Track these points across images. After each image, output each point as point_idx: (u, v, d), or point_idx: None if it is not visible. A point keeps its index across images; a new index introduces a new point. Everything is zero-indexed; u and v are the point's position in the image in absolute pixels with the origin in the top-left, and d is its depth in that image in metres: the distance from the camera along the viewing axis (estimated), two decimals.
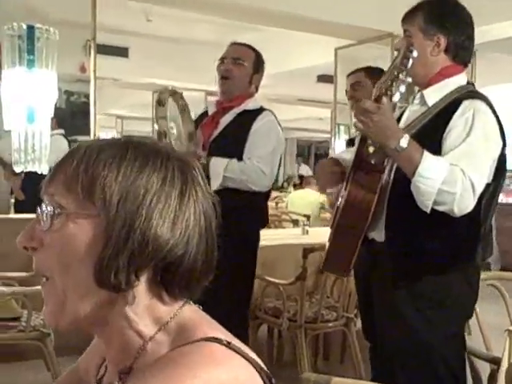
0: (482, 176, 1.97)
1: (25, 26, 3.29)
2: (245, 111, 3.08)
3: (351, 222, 2.21)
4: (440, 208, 1.93)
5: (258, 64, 3.13)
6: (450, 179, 1.90)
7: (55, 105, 3.53)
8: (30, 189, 4.48)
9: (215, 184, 2.84)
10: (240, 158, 2.94)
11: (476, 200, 1.95)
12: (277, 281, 3.66)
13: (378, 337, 2.29)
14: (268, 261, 3.87)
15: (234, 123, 3.06)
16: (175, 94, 2.85)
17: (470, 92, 2.09)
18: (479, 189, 1.95)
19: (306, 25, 5.69)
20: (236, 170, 2.91)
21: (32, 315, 3.27)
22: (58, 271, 0.84)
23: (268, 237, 4.57)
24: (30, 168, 3.32)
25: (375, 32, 5.63)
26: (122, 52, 7.85)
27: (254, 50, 3.15)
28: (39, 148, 3.31)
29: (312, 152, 19.81)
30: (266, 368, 0.85)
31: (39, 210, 0.86)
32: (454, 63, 2.15)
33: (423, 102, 2.14)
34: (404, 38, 2.16)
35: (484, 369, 2.45)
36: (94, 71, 4.49)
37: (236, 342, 0.84)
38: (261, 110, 3.10)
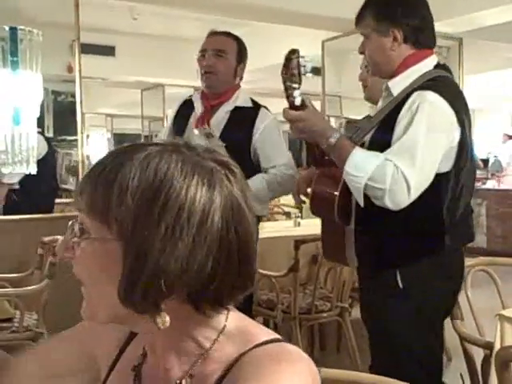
0: (422, 169, 1.93)
1: (7, 28, 3.27)
2: (237, 108, 2.98)
3: (324, 215, 2.27)
4: (376, 202, 1.95)
5: (241, 53, 3.02)
6: (378, 175, 1.90)
7: (41, 105, 3.52)
8: (22, 190, 4.51)
9: (263, 210, 2.98)
10: (243, 162, 2.85)
11: (414, 194, 1.92)
12: (270, 273, 3.67)
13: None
14: (261, 253, 3.83)
15: (231, 124, 2.95)
16: None
17: (427, 81, 2.05)
18: (417, 184, 1.92)
19: (292, 18, 5.69)
20: (275, 186, 2.93)
21: (25, 315, 3.27)
22: (86, 283, 0.89)
23: (260, 230, 4.58)
24: (18, 170, 3.32)
25: None
26: (108, 51, 7.83)
27: (235, 38, 3.03)
28: (26, 149, 3.31)
29: (303, 144, 19.82)
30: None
31: (73, 220, 0.88)
32: (416, 50, 2.11)
33: (389, 93, 2.13)
34: (363, 42, 2.17)
35: (478, 354, 2.47)
36: (80, 71, 4.48)
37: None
38: (255, 107, 3.02)
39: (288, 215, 6.05)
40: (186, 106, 3.10)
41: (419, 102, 1.96)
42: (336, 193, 2.11)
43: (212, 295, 0.85)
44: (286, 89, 2.02)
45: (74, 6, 4.38)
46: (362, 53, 2.21)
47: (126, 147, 0.88)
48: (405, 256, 2.05)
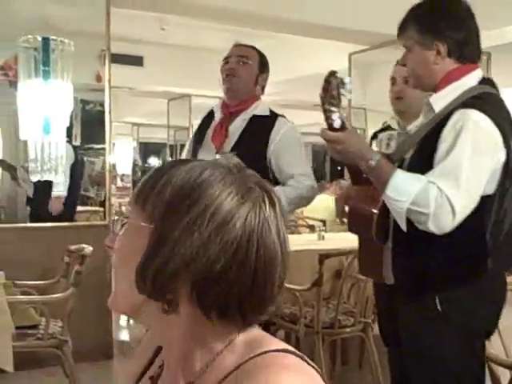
0: (467, 192, 1.86)
1: (40, 38, 3.33)
2: (254, 116, 2.99)
3: (362, 232, 2.22)
4: (419, 226, 1.88)
5: (263, 64, 3.06)
6: (421, 199, 1.84)
7: (70, 114, 3.58)
8: (41, 197, 4.57)
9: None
10: (258, 171, 2.84)
11: (458, 218, 1.85)
12: (293, 287, 3.66)
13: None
14: None
15: (248, 132, 2.97)
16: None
17: (471, 98, 1.96)
18: (461, 208, 1.85)
19: (319, 31, 5.71)
20: (295, 199, 2.88)
21: (50, 323, 3.30)
22: (116, 267, 0.94)
23: None
24: (46, 177, 3.37)
25: (388, 37, 5.62)
26: (136, 61, 7.91)
27: (257, 51, 3.08)
28: (55, 158, 3.36)
29: (327, 157, 19.76)
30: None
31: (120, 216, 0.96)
32: (460, 64, 2.04)
33: (431, 109, 2.05)
34: (405, 54, 2.10)
35: (504, 375, 2.43)
36: (109, 80, 4.53)
37: (304, 356, 0.89)
38: (273, 116, 3.02)
39: (312, 228, 6.04)
40: (209, 117, 3.12)
41: (463, 121, 1.88)
42: (375, 210, 2.07)
43: (218, 300, 0.86)
44: (325, 111, 1.97)
45: (106, 15, 4.43)
46: (403, 65, 2.16)
47: (184, 159, 0.97)
48: (446, 280, 1.98)
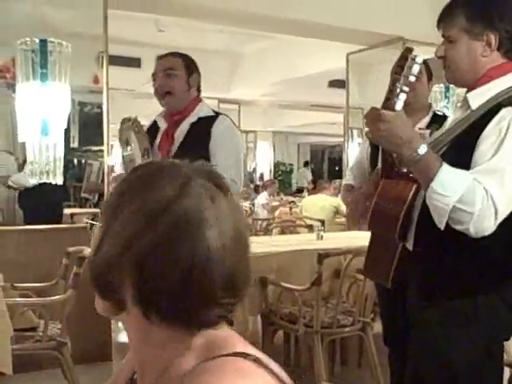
0: (510, 195, 1.76)
1: (37, 40, 3.33)
2: (200, 119, 3.02)
3: (381, 232, 2.13)
4: (456, 227, 1.77)
5: (189, 67, 3.07)
6: (468, 197, 1.72)
7: (68, 116, 3.58)
8: (32, 201, 4.55)
9: None
10: None
11: (499, 220, 1.75)
12: (292, 286, 3.66)
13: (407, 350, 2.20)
14: (283, 267, 3.87)
15: (191, 134, 3.00)
16: (125, 122, 3.03)
17: None
18: (503, 209, 1.75)
19: (317, 31, 5.71)
20: None
21: (49, 325, 3.30)
22: None
23: (283, 242, 4.59)
24: (45, 179, 3.37)
25: (386, 36, 5.65)
26: (134, 62, 7.91)
27: (181, 55, 3.10)
28: (53, 160, 3.36)
29: (326, 157, 19.80)
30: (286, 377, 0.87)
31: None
32: (507, 60, 1.90)
33: (467, 105, 1.93)
34: (442, 44, 1.95)
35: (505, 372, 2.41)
36: (107, 82, 4.53)
37: (264, 359, 0.86)
38: (215, 115, 3.04)
39: (310, 228, 6.04)
40: (154, 128, 3.16)
41: (510, 119, 1.77)
42: (401, 209, 1.96)
43: (152, 299, 0.85)
44: (394, 89, 1.82)
45: (103, 18, 4.43)
46: (440, 57, 1.96)
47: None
48: (469, 286, 1.89)
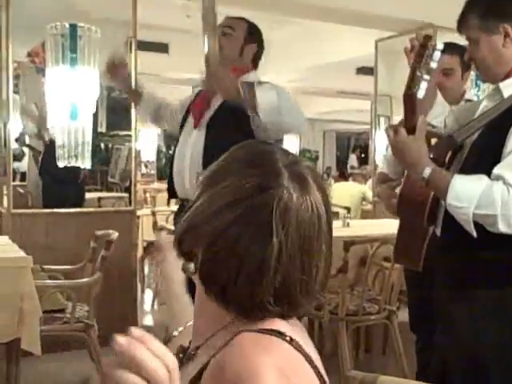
0: None
1: (67, 25, 3.36)
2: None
3: (410, 217, 2.14)
4: (490, 229, 1.75)
5: (250, 34, 2.94)
6: (486, 200, 1.72)
7: (96, 101, 3.60)
8: (56, 185, 4.60)
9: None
10: (238, 139, 2.47)
11: None
12: None
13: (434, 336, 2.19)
14: None
15: (227, 103, 2.76)
16: None
17: None
18: None
19: (345, 17, 5.65)
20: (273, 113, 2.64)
21: (76, 307, 3.34)
22: None
23: None
24: (73, 163, 3.40)
25: (416, 23, 5.57)
26: (162, 48, 7.92)
27: (247, 21, 2.96)
28: (82, 144, 3.39)
29: (351, 143, 19.68)
30: (321, 367, 0.90)
31: None
32: None
33: (500, 95, 1.92)
34: (469, 48, 1.97)
35: None
36: (135, 68, 4.55)
37: (301, 341, 0.88)
38: (258, 82, 2.82)
39: (336, 215, 6.02)
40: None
41: None
42: (429, 194, 1.97)
43: (212, 277, 0.89)
44: (415, 78, 1.80)
45: (132, 2, 4.44)
46: (469, 59, 2.00)
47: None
48: (497, 276, 1.86)
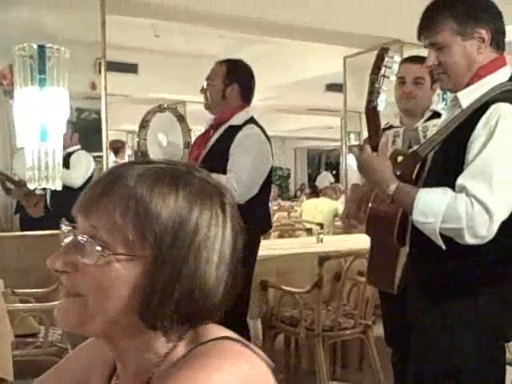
0: (503, 194, 1.74)
1: (35, 46, 3.33)
2: (230, 126, 3.09)
3: (380, 236, 2.14)
4: (459, 241, 1.76)
5: (231, 75, 3.15)
6: (451, 214, 1.73)
7: (68, 121, 3.57)
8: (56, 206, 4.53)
9: None
10: (225, 172, 2.95)
11: (497, 222, 1.73)
12: (293, 289, 3.66)
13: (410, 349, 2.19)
14: (283, 270, 3.88)
15: (220, 140, 3.10)
16: (164, 110, 3.21)
17: (504, 92, 1.83)
18: (498, 210, 1.73)
19: (313, 35, 5.71)
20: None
21: (49, 331, 3.29)
22: (94, 299, 0.83)
23: (282, 246, 4.59)
24: (44, 185, 3.36)
25: (383, 39, 5.64)
26: (131, 68, 7.91)
27: (226, 63, 3.20)
28: (52, 165, 3.35)
29: (322, 161, 19.80)
30: (271, 363, 0.89)
31: (74, 235, 0.86)
32: (498, 54, 1.90)
33: (458, 104, 1.91)
34: (430, 52, 1.92)
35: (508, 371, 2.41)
36: (105, 88, 4.53)
37: (244, 340, 0.88)
38: (246, 123, 3.10)
39: (309, 232, 6.04)
40: None
41: (498, 115, 1.75)
42: (397, 211, 1.98)
43: (205, 308, 0.86)
44: (373, 91, 1.83)
45: (101, 24, 4.43)
46: (431, 66, 1.93)
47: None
48: (466, 286, 1.87)
